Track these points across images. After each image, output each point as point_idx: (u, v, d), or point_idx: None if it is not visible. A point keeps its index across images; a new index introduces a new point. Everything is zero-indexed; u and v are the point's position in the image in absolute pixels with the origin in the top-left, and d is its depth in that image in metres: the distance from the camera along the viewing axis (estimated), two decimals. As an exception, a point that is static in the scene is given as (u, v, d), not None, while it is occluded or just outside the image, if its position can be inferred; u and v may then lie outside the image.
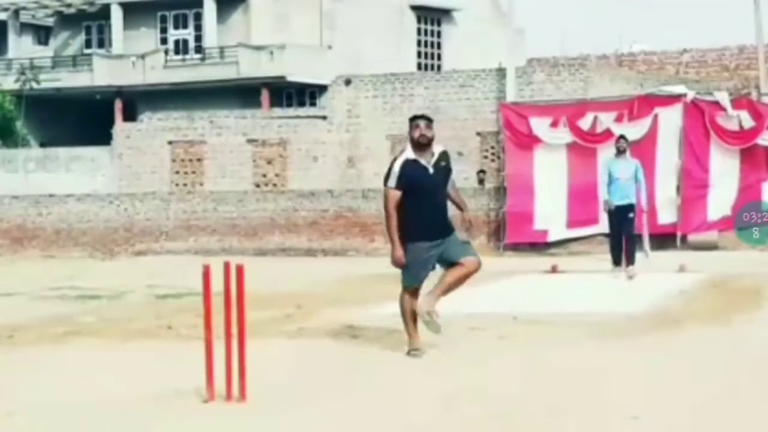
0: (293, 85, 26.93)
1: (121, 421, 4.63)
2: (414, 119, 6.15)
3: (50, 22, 31.60)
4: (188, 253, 18.27)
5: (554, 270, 12.19)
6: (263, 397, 4.92)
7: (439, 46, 30.23)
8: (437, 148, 6.15)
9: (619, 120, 15.93)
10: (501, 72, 19.81)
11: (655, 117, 15.87)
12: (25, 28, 31.95)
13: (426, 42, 30.11)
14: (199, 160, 22.83)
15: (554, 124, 16.47)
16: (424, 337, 6.30)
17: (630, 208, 11.01)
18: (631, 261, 11.07)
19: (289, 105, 27.05)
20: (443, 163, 6.13)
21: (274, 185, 21.95)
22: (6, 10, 30.73)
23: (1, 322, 8.25)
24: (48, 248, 19.69)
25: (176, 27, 29.02)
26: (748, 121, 15.56)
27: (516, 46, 20.72)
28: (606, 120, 16.01)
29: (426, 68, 29.10)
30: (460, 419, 4.57)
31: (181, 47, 28.86)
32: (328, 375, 5.65)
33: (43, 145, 27.60)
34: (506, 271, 11.63)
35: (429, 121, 6.16)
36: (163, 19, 29.07)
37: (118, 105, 28.03)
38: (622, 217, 10.98)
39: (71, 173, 23.40)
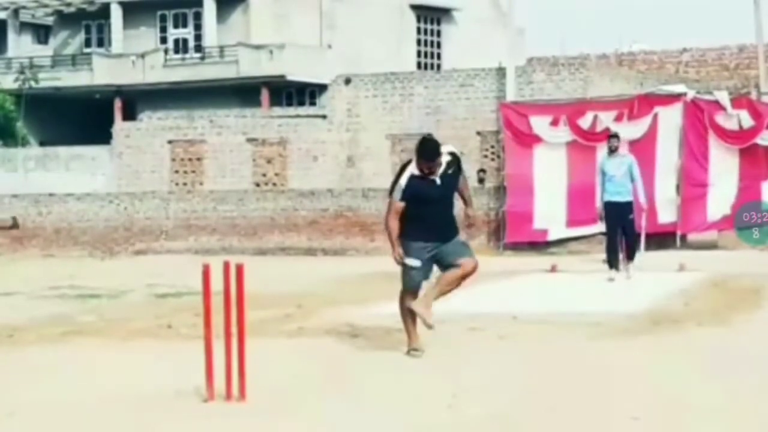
0: (293, 85, 26.93)
1: (120, 421, 4.63)
2: (425, 156, 5.93)
3: (50, 21, 31.58)
4: (188, 253, 18.26)
5: (554, 270, 12.19)
6: (263, 397, 4.91)
7: (439, 45, 30.22)
8: (445, 156, 6.04)
9: (619, 119, 15.93)
10: (501, 71, 19.81)
11: (655, 116, 15.86)
12: (24, 27, 31.93)
13: (426, 41, 30.11)
14: (198, 159, 22.82)
15: (554, 123, 16.47)
16: (424, 338, 6.29)
17: (628, 206, 10.77)
18: (631, 258, 10.92)
19: (289, 104, 27.05)
20: (451, 170, 6.05)
21: (274, 184, 21.95)
22: (6, 9, 30.72)
23: (1, 321, 8.25)
24: (48, 247, 19.68)
25: (176, 26, 29.01)
26: (747, 121, 15.56)
27: (516, 46, 20.71)
28: (606, 119, 16.01)
29: (426, 68, 29.09)
30: (460, 419, 4.57)
31: (180, 46, 28.85)
32: (327, 374, 5.64)
33: (42, 144, 27.60)
34: (506, 271, 11.62)
35: (438, 156, 5.97)
36: (163, 19, 29.06)
37: (117, 104, 28.02)
38: (620, 216, 10.74)
39: (71, 172, 23.40)
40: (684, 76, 22.99)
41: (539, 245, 16.29)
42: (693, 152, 15.74)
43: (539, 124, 16.57)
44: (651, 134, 15.82)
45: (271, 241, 18.78)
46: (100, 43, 30.06)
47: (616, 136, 11.33)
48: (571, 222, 16.07)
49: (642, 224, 11.65)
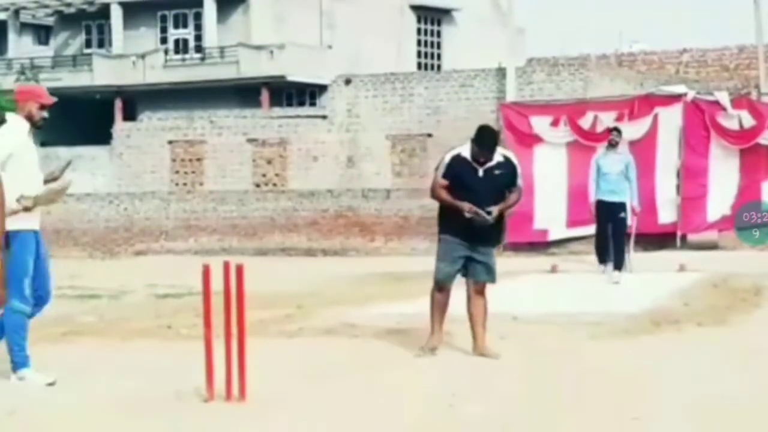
0: (293, 85, 26.93)
1: (120, 421, 4.63)
2: (480, 143, 5.88)
3: (50, 21, 31.60)
4: (188, 253, 18.27)
5: (554, 270, 12.18)
6: (263, 397, 4.91)
7: (439, 45, 30.23)
8: (498, 156, 5.99)
9: (620, 119, 15.92)
10: (501, 72, 19.82)
11: (655, 117, 15.86)
12: (25, 27, 31.95)
13: (426, 42, 30.11)
14: (198, 159, 22.84)
15: (555, 123, 16.47)
16: (422, 339, 6.29)
17: (621, 206, 10.43)
18: (618, 265, 10.50)
19: (289, 105, 27.06)
20: (499, 171, 5.96)
21: (274, 185, 21.96)
22: (6, 9, 30.73)
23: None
24: (48, 248, 19.68)
25: (176, 26, 29.02)
26: (748, 121, 15.56)
27: (516, 46, 20.72)
28: (606, 119, 16.01)
29: (426, 68, 29.10)
30: (461, 419, 4.57)
31: (181, 47, 28.86)
32: (327, 375, 5.64)
33: (43, 144, 27.57)
34: (506, 271, 11.62)
35: (494, 147, 5.94)
36: (163, 19, 29.07)
37: (118, 104, 28.02)
38: (611, 215, 10.42)
39: (71, 172, 23.35)
40: (684, 76, 23.00)
41: (539, 245, 16.29)
42: (693, 153, 15.74)
43: (539, 124, 16.58)
44: (651, 135, 15.83)
45: (271, 241, 18.78)
46: (101, 44, 30.07)
47: (617, 130, 10.99)
48: (572, 222, 16.07)
49: (632, 228, 11.23)
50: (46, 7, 30.34)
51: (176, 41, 28.93)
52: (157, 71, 28.02)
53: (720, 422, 4.49)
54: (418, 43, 29.82)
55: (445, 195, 6.01)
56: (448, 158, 6.04)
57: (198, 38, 28.58)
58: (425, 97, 21.30)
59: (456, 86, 21.03)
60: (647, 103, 16.03)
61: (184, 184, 22.52)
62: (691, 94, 16.02)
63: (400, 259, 16.02)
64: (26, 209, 5.40)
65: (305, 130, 22.21)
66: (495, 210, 5.93)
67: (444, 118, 20.98)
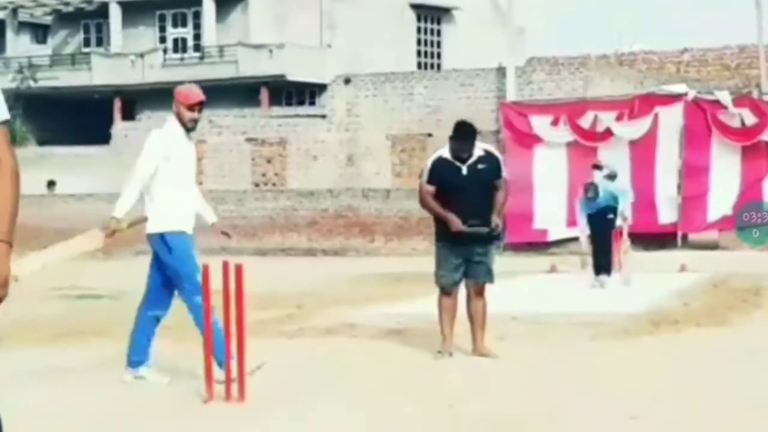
0: (293, 84, 26.92)
1: (120, 421, 4.62)
2: (457, 137, 5.91)
3: (48, 20, 31.57)
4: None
5: (554, 270, 12.17)
6: (262, 397, 4.91)
7: (439, 45, 30.22)
8: (479, 150, 5.99)
9: (620, 119, 15.93)
10: (501, 71, 19.81)
11: (656, 116, 15.87)
12: (23, 26, 31.93)
13: (426, 41, 30.10)
14: (198, 159, 22.79)
15: (555, 123, 16.47)
16: (427, 340, 6.28)
17: (609, 209, 10.23)
18: (606, 269, 10.26)
19: (289, 104, 27.04)
20: (482, 165, 5.94)
21: (274, 184, 21.94)
22: (4, 8, 30.71)
23: (1, 322, 8.24)
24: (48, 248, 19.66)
25: (175, 26, 29.00)
26: (750, 119, 15.57)
27: (516, 45, 20.71)
28: (606, 119, 16.01)
29: (426, 67, 29.09)
30: (460, 419, 4.56)
31: (180, 46, 28.84)
32: (327, 375, 5.64)
33: (41, 144, 27.59)
34: (506, 271, 11.61)
35: (472, 139, 5.94)
36: (162, 18, 29.05)
37: (116, 104, 28.01)
38: (601, 219, 10.24)
39: (70, 172, 23.39)
40: (685, 75, 22.99)
41: (539, 245, 16.29)
42: (694, 152, 15.75)
43: (539, 124, 16.58)
44: (651, 134, 15.83)
45: (270, 241, 18.77)
46: (99, 43, 30.06)
47: (593, 186, 10.41)
48: (572, 222, 16.07)
49: (624, 241, 10.68)
50: (45, 5, 30.32)
51: (175, 40, 28.91)
52: (155, 70, 28.01)
53: (720, 422, 4.48)
54: (418, 42, 29.81)
55: (432, 204, 5.99)
56: (429, 162, 6.05)
57: (197, 37, 28.57)
58: (425, 97, 21.28)
59: (456, 86, 21.02)
60: (647, 102, 16.04)
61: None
62: (691, 94, 16.02)
63: (400, 259, 16.02)
64: (111, 233, 5.34)
65: (305, 130, 22.20)
66: (496, 220, 5.91)
67: (444, 117, 20.94)
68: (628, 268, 10.71)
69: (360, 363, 5.98)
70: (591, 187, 10.42)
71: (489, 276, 6.09)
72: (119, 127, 24.40)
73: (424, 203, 6.06)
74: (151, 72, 27.99)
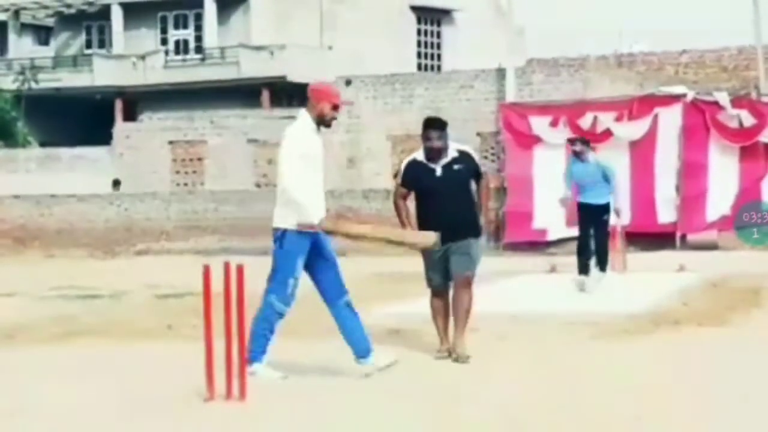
0: (294, 85, 26.93)
1: (121, 421, 4.64)
2: (425, 128, 5.94)
3: (51, 22, 31.62)
4: (189, 253, 18.26)
5: (553, 270, 12.19)
6: (263, 397, 4.93)
7: (439, 46, 30.24)
8: (453, 150, 5.94)
9: (619, 120, 15.95)
10: (501, 72, 19.82)
11: (655, 117, 15.89)
12: (25, 28, 31.97)
13: (426, 42, 30.12)
14: (199, 160, 22.84)
15: (554, 123, 16.49)
16: (422, 339, 6.30)
17: (604, 209, 9.84)
18: (602, 266, 9.91)
19: (290, 105, 27.04)
20: (458, 166, 5.89)
21: (275, 185, 21.95)
22: (6, 10, 30.75)
23: (2, 321, 8.26)
24: (49, 248, 19.70)
25: (176, 27, 29.03)
26: (748, 119, 15.59)
27: (516, 47, 20.76)
28: (606, 120, 16.03)
29: (426, 69, 29.11)
30: (460, 419, 4.58)
31: (181, 47, 28.88)
32: (327, 375, 5.66)
33: (43, 145, 27.62)
34: (506, 271, 11.63)
35: (441, 129, 5.95)
36: (164, 20, 29.09)
37: (118, 105, 28.04)
38: (594, 219, 9.82)
39: (72, 173, 23.42)
40: (683, 77, 23.01)
41: (539, 245, 16.30)
42: (693, 153, 15.76)
43: (539, 124, 16.60)
44: (651, 135, 15.85)
45: (271, 241, 18.78)
46: (101, 44, 30.09)
47: (580, 140, 10.18)
48: (571, 222, 16.08)
49: (618, 235, 10.39)
50: (47, 7, 30.36)
51: (177, 42, 28.95)
52: (157, 72, 28.04)
53: (720, 422, 4.50)
54: (418, 44, 29.83)
55: (397, 208, 5.99)
56: (403, 166, 6.05)
57: (198, 39, 28.60)
58: (425, 98, 21.30)
59: (456, 87, 21.04)
60: (647, 103, 16.06)
61: (185, 185, 22.53)
62: (690, 95, 16.04)
63: (400, 259, 16.01)
64: (326, 231, 5.38)
65: (305, 131, 22.17)
66: (480, 221, 5.87)
67: (444, 118, 20.94)
68: (619, 266, 10.50)
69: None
70: (578, 141, 10.01)
71: (469, 266, 5.95)
72: (121, 128, 24.41)
73: (395, 203, 6.07)
74: (153, 73, 28.02)
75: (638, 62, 24.88)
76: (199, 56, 28.29)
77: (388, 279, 11.98)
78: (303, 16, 27.73)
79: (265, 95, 26.61)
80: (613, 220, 10.17)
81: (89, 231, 19.87)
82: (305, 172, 5.35)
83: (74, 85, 28.42)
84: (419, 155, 6.03)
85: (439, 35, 30.28)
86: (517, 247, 16.14)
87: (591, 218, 9.91)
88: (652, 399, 4.93)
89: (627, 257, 11.98)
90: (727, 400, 4.89)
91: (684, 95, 16.04)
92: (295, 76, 26.40)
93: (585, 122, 16.32)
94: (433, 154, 5.94)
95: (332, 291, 5.49)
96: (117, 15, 28.97)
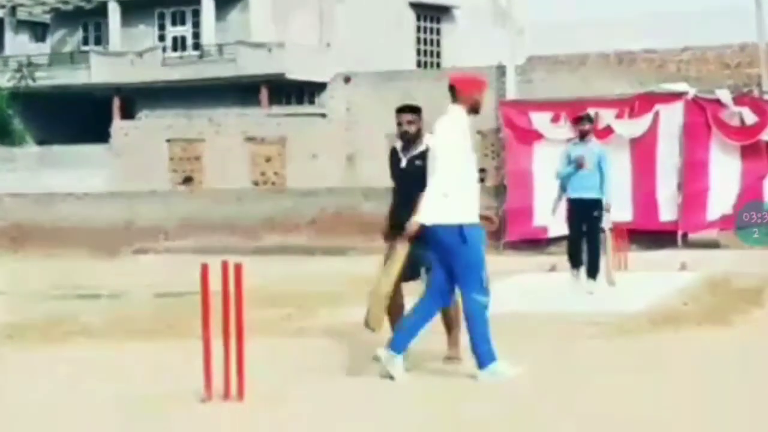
0: (292, 83, 26.91)
1: (120, 421, 4.61)
2: (397, 113, 5.85)
3: (47, 19, 31.57)
4: (188, 252, 18.24)
5: (554, 269, 12.16)
6: (261, 397, 4.89)
7: (438, 43, 30.22)
8: (424, 145, 5.77)
9: (620, 116, 15.91)
10: (501, 70, 19.78)
11: (656, 114, 15.85)
12: (22, 25, 31.93)
13: (425, 40, 30.10)
14: (197, 158, 22.81)
15: (555, 119, 16.44)
16: (421, 339, 6.26)
17: (595, 203, 9.38)
18: (592, 273, 9.45)
19: (288, 103, 27.04)
20: (420, 162, 5.72)
21: (273, 183, 21.93)
22: (3, 7, 30.71)
23: (1, 321, 8.22)
24: (48, 247, 19.66)
25: (174, 24, 28.99)
26: (750, 117, 15.55)
27: (516, 44, 20.68)
28: (607, 116, 15.99)
29: (425, 66, 29.09)
30: (460, 419, 4.55)
31: (179, 44, 28.84)
32: (327, 374, 5.63)
33: (41, 143, 27.58)
34: (506, 270, 11.60)
35: (414, 112, 5.84)
36: (161, 16, 29.04)
37: (116, 103, 28.01)
38: (584, 214, 9.40)
39: (70, 171, 23.38)
40: (685, 74, 22.99)
41: (539, 244, 16.27)
42: (694, 151, 15.73)
43: (540, 120, 16.55)
44: (652, 132, 15.81)
45: (270, 240, 18.75)
46: (98, 41, 30.04)
47: (588, 118, 9.78)
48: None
49: (607, 229, 9.77)
50: (43, 4, 30.32)
51: (174, 39, 28.90)
52: (155, 69, 28.00)
53: (720, 422, 4.47)
54: (418, 41, 29.81)
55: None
56: (390, 151, 5.99)
57: (196, 36, 28.56)
58: (425, 96, 21.24)
59: (455, 84, 20.99)
60: (648, 101, 16.02)
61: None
62: (692, 92, 16.01)
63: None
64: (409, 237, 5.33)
65: (304, 128, 22.18)
66: (407, 225, 5.55)
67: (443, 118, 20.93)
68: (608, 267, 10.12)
69: (360, 363, 5.96)
70: (586, 120, 9.51)
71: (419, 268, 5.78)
72: (118, 125, 24.38)
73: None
74: (151, 70, 27.98)
75: (639, 59, 24.86)
76: (197, 53, 28.25)
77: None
78: (302, 14, 27.70)
79: (264, 93, 26.58)
80: (606, 222, 9.70)
81: (88, 230, 19.83)
82: (467, 165, 5.30)
83: (71, 82, 28.38)
84: (398, 143, 5.95)
85: (438, 32, 30.25)
86: (517, 246, 16.10)
87: (581, 215, 9.52)
88: (652, 399, 4.89)
89: (628, 256, 11.95)
90: (728, 400, 4.86)
91: (685, 93, 16.00)
92: (293, 74, 26.38)
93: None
94: (405, 139, 5.84)
95: (439, 293, 5.47)
96: (114, 12, 28.92)
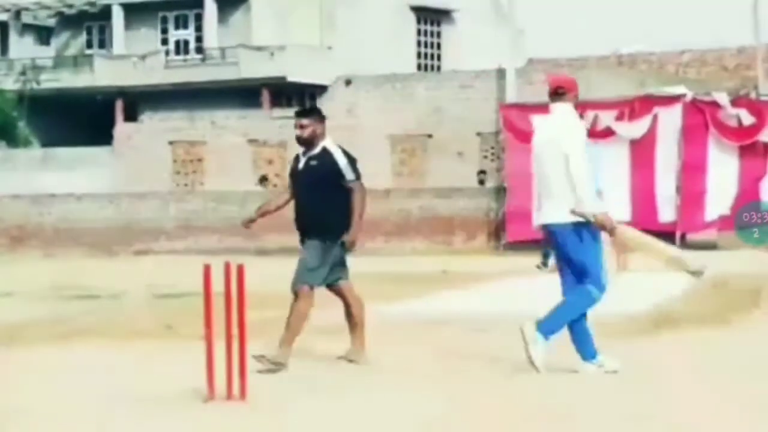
0: (294, 86, 26.94)
1: (120, 421, 4.64)
2: (295, 117, 5.82)
3: (52, 22, 31.63)
4: (188, 253, 18.28)
5: (554, 270, 12.17)
6: (263, 397, 4.93)
7: (438, 46, 30.25)
8: (322, 146, 5.70)
9: (620, 118, 15.96)
10: (501, 72, 19.83)
11: (655, 117, 15.90)
12: (26, 28, 31.99)
13: (426, 42, 30.13)
14: (199, 160, 22.85)
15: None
16: (421, 344, 6.29)
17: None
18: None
19: (290, 105, 27.06)
20: (314, 163, 5.66)
21: (275, 185, 21.96)
22: (7, 10, 30.78)
23: (1, 321, 8.26)
24: (48, 248, 19.71)
25: (177, 27, 29.05)
26: (747, 119, 15.60)
27: (516, 47, 20.75)
28: (606, 118, 16.04)
29: (426, 69, 29.12)
30: (461, 420, 4.58)
31: (181, 48, 28.90)
32: (327, 374, 5.66)
33: (44, 145, 27.64)
34: (506, 271, 11.62)
35: (309, 116, 5.73)
36: (164, 20, 29.11)
37: (119, 105, 28.05)
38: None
39: (72, 173, 23.43)
40: (684, 77, 23.02)
41: (540, 244, 16.30)
42: (693, 153, 15.78)
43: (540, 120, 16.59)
44: (651, 134, 15.87)
45: (271, 241, 18.79)
46: (102, 45, 30.11)
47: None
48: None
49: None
50: (48, 8, 30.39)
51: (177, 42, 28.96)
52: (158, 72, 28.04)
53: (722, 422, 4.49)
54: (418, 43, 29.84)
55: (270, 199, 6.18)
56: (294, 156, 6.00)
57: (199, 39, 28.62)
58: (425, 98, 21.31)
59: (456, 87, 21.05)
60: (647, 103, 16.08)
61: (185, 185, 22.53)
62: (690, 95, 16.06)
63: (400, 258, 16.02)
64: (608, 231, 5.38)
65: (306, 131, 22.19)
66: (346, 238, 5.72)
67: (444, 118, 20.98)
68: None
69: (362, 362, 5.99)
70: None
71: (300, 277, 5.83)
72: (121, 128, 24.43)
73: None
74: (154, 73, 28.02)
75: (639, 62, 24.88)
76: (199, 56, 28.29)
77: (387, 279, 11.98)
78: (303, 17, 27.74)
79: (265, 96, 26.60)
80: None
81: (89, 231, 19.88)
82: (587, 163, 5.42)
83: (75, 85, 28.43)
84: (300, 148, 5.90)
85: (439, 35, 30.28)
86: (517, 247, 16.15)
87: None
88: (653, 399, 4.92)
89: (628, 257, 11.97)
90: (728, 400, 4.88)
91: (684, 95, 16.06)
92: (295, 77, 26.41)
93: (586, 120, 16.34)
94: (299, 142, 5.83)
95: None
96: (118, 15, 28.98)
